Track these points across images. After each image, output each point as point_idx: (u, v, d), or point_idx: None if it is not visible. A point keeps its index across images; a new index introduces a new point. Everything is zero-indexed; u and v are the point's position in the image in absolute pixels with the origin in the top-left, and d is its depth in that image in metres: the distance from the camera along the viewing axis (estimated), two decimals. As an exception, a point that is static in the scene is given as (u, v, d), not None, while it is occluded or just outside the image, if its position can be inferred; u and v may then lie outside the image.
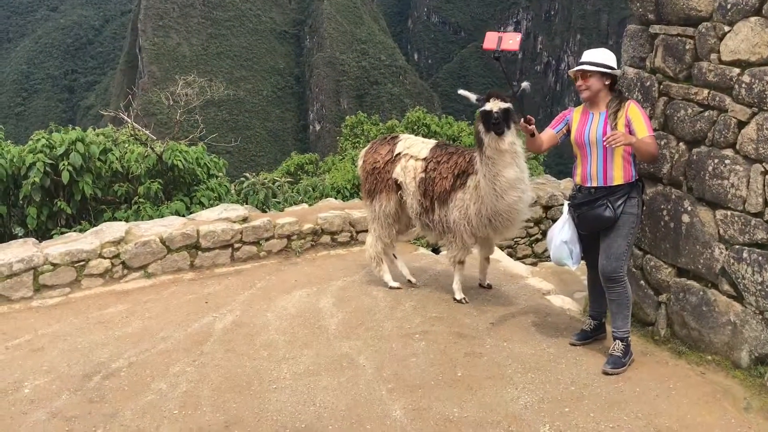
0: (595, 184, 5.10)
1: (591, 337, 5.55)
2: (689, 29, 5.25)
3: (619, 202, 5.02)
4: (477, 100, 5.66)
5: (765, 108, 4.70)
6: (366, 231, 8.02)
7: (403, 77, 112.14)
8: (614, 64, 5.16)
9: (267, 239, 7.65)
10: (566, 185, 9.70)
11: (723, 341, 5.06)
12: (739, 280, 4.92)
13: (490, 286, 6.79)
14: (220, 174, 13.54)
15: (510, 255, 8.36)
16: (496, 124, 5.46)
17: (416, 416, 4.49)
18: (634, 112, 5.01)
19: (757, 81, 4.73)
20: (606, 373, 5.01)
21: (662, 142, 5.47)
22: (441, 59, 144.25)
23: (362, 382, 4.94)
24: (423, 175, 6.32)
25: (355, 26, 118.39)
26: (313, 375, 5.06)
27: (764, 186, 4.76)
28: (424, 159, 6.37)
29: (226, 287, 6.84)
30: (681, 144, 5.35)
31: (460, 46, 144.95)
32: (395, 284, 6.74)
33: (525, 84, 5.59)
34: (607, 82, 5.14)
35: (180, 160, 9.60)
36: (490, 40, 5.20)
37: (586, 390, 4.82)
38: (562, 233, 5.24)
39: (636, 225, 5.20)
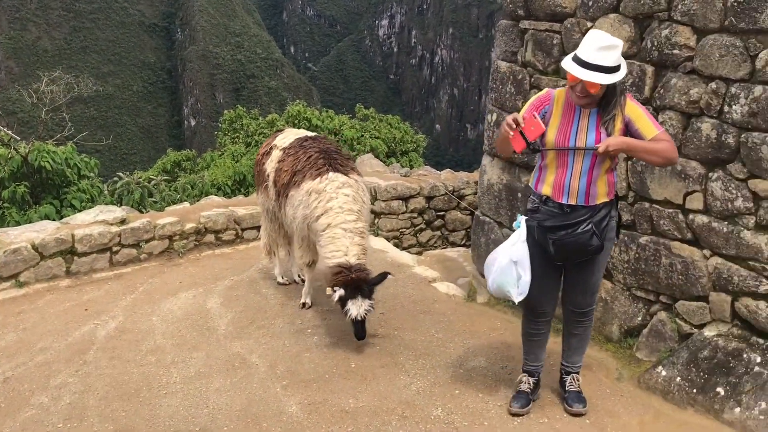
0: (573, 202, 4.00)
1: (532, 399, 4.53)
2: (556, 25, 5.56)
3: (603, 225, 4.04)
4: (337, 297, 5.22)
5: (626, 99, 5.04)
6: (252, 228, 7.94)
7: (280, 71, 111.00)
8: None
9: (147, 241, 7.39)
10: (446, 176, 10.00)
11: (596, 317, 5.41)
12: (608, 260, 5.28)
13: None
14: (92, 174, 12.94)
15: (396, 245, 8.52)
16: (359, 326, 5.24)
17: (312, 410, 4.52)
18: (633, 109, 3.95)
19: (618, 74, 5.07)
20: (580, 414, 4.44)
21: (535, 133, 5.77)
22: (318, 53, 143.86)
23: (256, 380, 4.91)
24: (276, 165, 5.98)
25: (228, 19, 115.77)
26: (204, 377, 4.96)
27: (627, 171, 5.13)
28: (283, 149, 6.04)
29: (107, 293, 6.56)
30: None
31: (337, 39, 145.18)
32: (284, 281, 6.72)
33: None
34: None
35: (48, 161, 9.12)
36: (518, 142, 3.94)
37: (474, 372, 5.02)
38: (512, 251, 4.05)
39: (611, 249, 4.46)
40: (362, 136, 19.41)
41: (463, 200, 9.38)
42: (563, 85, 5.53)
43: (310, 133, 6.41)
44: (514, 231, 4.15)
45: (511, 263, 4.02)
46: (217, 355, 5.30)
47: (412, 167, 15.00)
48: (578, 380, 4.55)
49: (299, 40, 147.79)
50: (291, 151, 5.89)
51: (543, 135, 3.99)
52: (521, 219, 4.12)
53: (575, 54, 3.81)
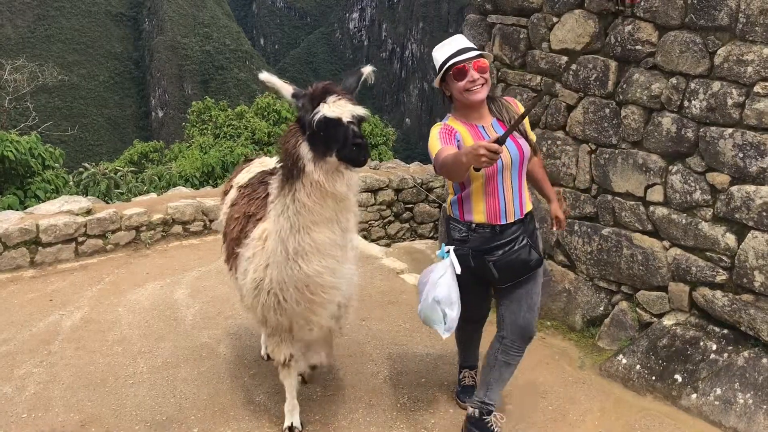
0: (512, 220, 3.70)
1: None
2: (523, 19, 5.64)
3: (535, 237, 3.85)
4: (296, 95, 3.23)
5: (590, 93, 5.16)
6: (220, 219, 7.91)
7: (250, 62, 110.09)
8: None
9: (114, 231, 7.34)
10: (414, 169, 10.06)
11: (560, 307, 5.53)
12: (571, 251, 5.39)
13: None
14: (57, 165, 12.76)
15: (364, 237, 8.57)
16: (357, 148, 3.07)
17: (280, 399, 4.54)
18: (521, 108, 3.79)
19: (582, 68, 5.17)
20: None
21: (502, 126, 5.86)
22: (288, 45, 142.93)
23: (223, 370, 4.92)
24: (228, 212, 4.29)
25: (197, 9, 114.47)
26: (171, 367, 4.96)
27: (590, 164, 5.24)
28: (240, 188, 4.31)
29: (72, 283, 6.50)
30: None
31: (307, 31, 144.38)
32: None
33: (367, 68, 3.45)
34: None
35: (11, 151, 8.98)
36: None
37: (440, 360, 5.09)
38: (436, 289, 3.69)
39: None
40: (332, 128, 19.37)
41: (431, 193, 9.45)
42: (529, 80, 5.63)
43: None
44: (438, 256, 3.80)
45: (434, 303, 3.68)
46: (184, 345, 5.30)
47: (381, 160, 15.04)
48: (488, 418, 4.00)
49: (269, 32, 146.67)
50: (248, 190, 4.13)
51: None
52: (448, 249, 3.74)
53: (441, 64, 3.56)
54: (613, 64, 5.02)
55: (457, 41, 3.61)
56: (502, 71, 5.88)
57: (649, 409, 4.52)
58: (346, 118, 3.07)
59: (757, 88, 4.22)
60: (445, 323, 3.73)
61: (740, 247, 4.40)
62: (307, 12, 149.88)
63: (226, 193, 4.61)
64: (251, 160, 4.84)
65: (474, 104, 3.59)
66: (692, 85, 4.55)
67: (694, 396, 4.45)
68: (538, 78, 5.56)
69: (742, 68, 4.27)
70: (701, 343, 4.60)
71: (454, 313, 3.70)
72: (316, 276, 3.41)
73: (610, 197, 5.14)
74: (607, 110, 5.06)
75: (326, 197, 3.21)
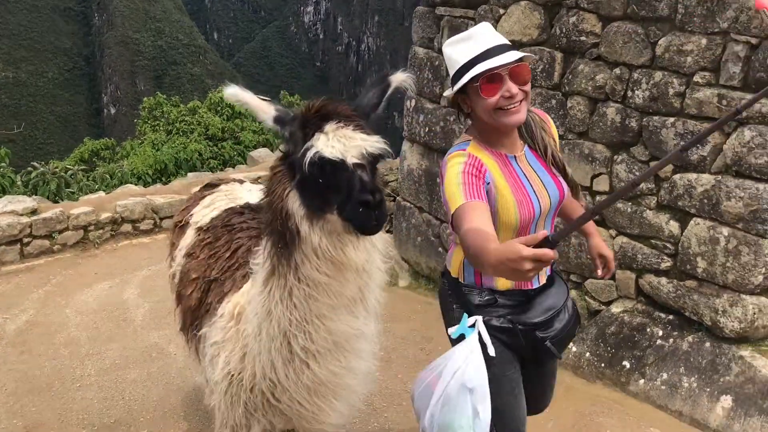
0: (544, 280, 2.71)
1: None
2: (470, 11, 5.66)
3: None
4: (280, 120, 2.20)
5: (537, 84, 5.20)
6: (171, 217, 7.79)
7: (204, 57, 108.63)
8: None
9: (61, 231, 7.17)
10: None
11: (512, 297, 5.57)
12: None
13: None
14: (3, 164, 12.42)
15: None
16: (365, 209, 2.07)
17: (231, 398, 4.50)
18: (554, 131, 2.75)
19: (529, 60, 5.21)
20: None
21: (452, 119, 5.87)
22: (242, 39, 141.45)
23: (174, 370, 4.85)
24: (184, 263, 3.21)
25: (148, 3, 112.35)
26: (120, 369, 4.87)
27: (539, 155, 5.28)
28: (199, 230, 3.27)
29: (17, 285, 6.33)
30: (468, 120, 5.74)
31: (261, 25, 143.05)
32: None
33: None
34: None
35: (-48, 151, 8.65)
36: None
37: (394, 353, 5.09)
38: (465, 373, 2.50)
39: None
40: (287, 123, 19.24)
41: (386, 186, 9.44)
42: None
43: (254, 194, 3.44)
44: (453, 337, 2.68)
45: (464, 391, 2.49)
46: (133, 346, 5.21)
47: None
48: None
49: (223, 26, 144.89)
50: (209, 237, 3.13)
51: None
52: (473, 322, 2.58)
53: (460, 69, 2.43)
54: (558, 55, 5.07)
55: (485, 36, 2.42)
56: (451, 64, 5.88)
57: (598, 396, 4.59)
58: (351, 159, 2.05)
59: (696, 78, 4.30)
60: (474, 428, 2.49)
61: (683, 234, 4.49)
62: (261, 5, 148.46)
63: (178, 228, 3.50)
64: (215, 185, 3.67)
65: (507, 128, 2.49)
66: (635, 76, 4.62)
67: (641, 381, 4.53)
68: (487, 70, 5.57)
69: (683, 58, 4.35)
70: (648, 330, 4.69)
71: (486, 412, 2.50)
72: (331, 378, 2.46)
73: (558, 187, 5.19)
74: (554, 101, 5.11)
75: (344, 270, 2.23)
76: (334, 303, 2.29)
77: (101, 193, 8.86)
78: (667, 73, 4.45)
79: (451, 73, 2.49)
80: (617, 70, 4.71)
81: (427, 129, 6.20)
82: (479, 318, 2.59)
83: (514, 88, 2.37)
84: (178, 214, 3.70)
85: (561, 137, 5.10)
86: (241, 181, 3.73)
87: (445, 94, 2.68)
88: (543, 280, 2.70)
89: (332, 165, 2.05)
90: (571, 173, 2.67)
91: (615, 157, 4.81)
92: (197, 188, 7.81)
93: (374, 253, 2.31)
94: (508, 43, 2.44)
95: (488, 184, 2.42)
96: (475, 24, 5.57)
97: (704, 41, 4.23)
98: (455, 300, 2.73)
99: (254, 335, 2.45)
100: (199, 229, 3.26)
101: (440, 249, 6.12)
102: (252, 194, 3.46)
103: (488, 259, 1.94)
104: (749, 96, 4.06)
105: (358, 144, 2.09)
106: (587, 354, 4.84)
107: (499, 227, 2.46)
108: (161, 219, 7.84)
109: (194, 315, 2.89)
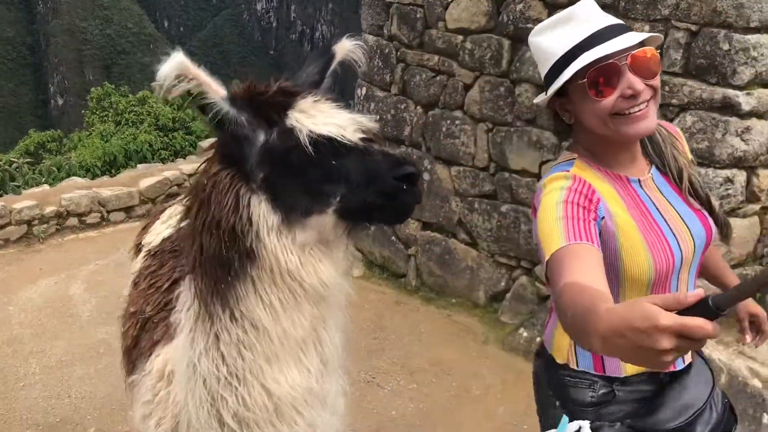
0: (688, 359, 1.95)
1: None
2: (419, -1, 5.64)
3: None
4: (234, 101, 1.68)
5: (485, 72, 5.22)
6: (118, 210, 7.64)
7: (154, 46, 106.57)
8: None
9: (3, 227, 6.97)
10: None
11: (464, 284, 5.61)
12: (473, 229, 5.48)
13: None
14: (-58, 158, 12.00)
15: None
16: (410, 183, 1.62)
17: (182, 392, 4.44)
18: (687, 147, 2.06)
19: (477, 47, 5.22)
20: None
21: (402, 107, 5.85)
22: (193, 27, 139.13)
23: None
24: (130, 293, 2.69)
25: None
26: (66, 366, 4.77)
27: (488, 143, 5.31)
28: (148, 254, 2.74)
29: (-43, 283, 6.13)
30: (418, 107, 5.75)
31: (212, 13, 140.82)
32: None
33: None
34: None
35: None
36: None
37: (348, 344, 5.07)
38: None
39: None
40: (240, 113, 19.01)
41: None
42: (426, 59, 5.64)
43: None
44: None
45: None
46: (80, 342, 5.10)
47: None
48: None
49: (173, 14, 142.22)
50: (154, 263, 2.59)
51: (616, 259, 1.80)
52: (577, 430, 1.84)
53: (558, 63, 1.77)
54: (506, 43, 5.09)
55: (591, 13, 1.78)
56: (401, 51, 5.86)
57: (549, 380, 4.65)
58: (354, 135, 1.66)
59: (640, 65, 4.36)
60: None
61: (629, 218, 4.56)
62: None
63: (136, 249, 2.99)
64: (177, 195, 3.13)
65: (630, 140, 1.82)
66: (581, 63, 4.66)
67: (590, 364, 4.60)
68: (436, 57, 5.57)
69: (626, 45, 4.40)
70: (596, 313, 4.76)
71: None
72: None
73: (507, 175, 5.23)
74: (502, 89, 5.14)
75: (302, 298, 1.72)
76: (274, 350, 1.73)
77: (46, 187, 8.65)
78: (611, 60, 4.49)
79: (543, 70, 1.85)
80: (564, 58, 4.74)
81: (378, 117, 6.17)
82: (585, 425, 1.82)
83: (638, 84, 1.70)
84: (138, 233, 3.13)
85: (510, 124, 5.13)
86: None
87: (535, 101, 1.97)
88: (688, 360, 1.92)
89: (328, 145, 1.62)
90: (719, 207, 1.91)
91: (562, 143, 4.86)
92: (146, 180, 7.70)
93: (340, 270, 1.77)
94: (620, 21, 1.79)
95: (602, 218, 1.73)
96: (424, 10, 5.57)
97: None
98: (555, 392, 1.98)
99: (183, 401, 1.89)
100: (148, 252, 2.72)
101: (393, 238, 6.12)
102: None
103: (597, 327, 1.23)
104: (690, 82, 4.14)
105: (351, 117, 1.68)
106: (538, 339, 4.89)
107: (622, 283, 1.79)
108: (109, 212, 7.67)
109: (130, 356, 2.37)
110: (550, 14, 4.79)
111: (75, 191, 7.65)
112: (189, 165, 8.47)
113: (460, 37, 5.35)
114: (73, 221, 7.44)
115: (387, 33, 6.01)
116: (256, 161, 1.66)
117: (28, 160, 19.38)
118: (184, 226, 1.81)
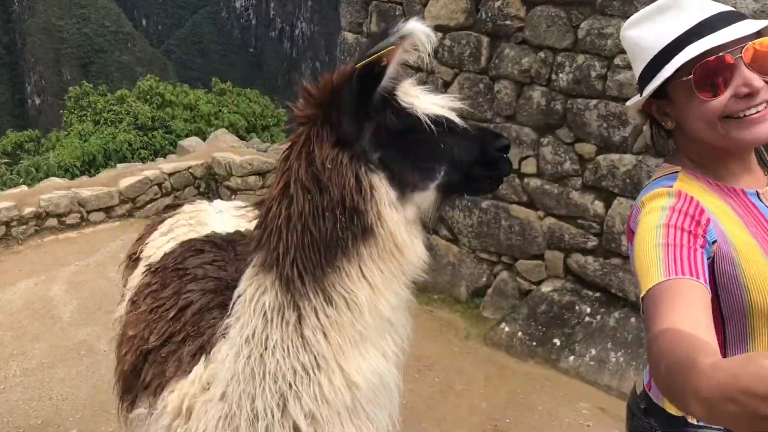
0: None
1: None
2: (398, -4, 5.65)
3: None
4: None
5: (465, 69, 5.24)
6: (98, 210, 7.58)
7: (132, 44, 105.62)
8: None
9: (-20, 228, 6.88)
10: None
11: (446, 280, 5.64)
12: (454, 225, 5.51)
13: None
14: None
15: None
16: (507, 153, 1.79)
17: (164, 392, 4.43)
18: None
19: (456, 44, 5.25)
20: None
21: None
22: (172, 25, 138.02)
23: (103, 367, 4.71)
24: (126, 311, 2.50)
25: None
26: (47, 368, 4.73)
27: (469, 139, 5.34)
28: (148, 269, 2.54)
29: (-66, 286, 6.05)
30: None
31: (191, 11, 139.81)
32: None
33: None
34: None
35: None
36: None
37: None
38: None
39: None
40: (220, 111, 18.90)
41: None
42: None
43: (226, 218, 2.82)
44: None
45: None
46: (61, 344, 5.06)
47: (273, 142, 14.82)
48: None
49: (151, 12, 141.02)
50: (156, 281, 2.41)
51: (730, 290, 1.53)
52: None
53: (657, 57, 1.54)
54: (485, 40, 5.12)
55: (696, 0, 1.55)
56: (380, 49, 5.87)
57: (531, 374, 4.70)
58: (453, 114, 1.74)
59: (617, 60, 4.41)
60: None
61: (608, 213, 4.62)
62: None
63: (131, 261, 2.82)
64: (178, 206, 3.03)
65: (745, 147, 1.57)
66: (559, 59, 4.70)
67: (571, 358, 4.65)
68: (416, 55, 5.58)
69: (603, 41, 4.45)
70: (576, 307, 4.82)
71: None
72: None
73: (488, 171, 5.25)
74: (482, 85, 5.17)
75: (402, 276, 1.73)
76: (363, 330, 1.69)
77: (24, 187, 8.54)
78: (589, 56, 4.54)
79: (638, 67, 1.61)
80: (542, 54, 4.78)
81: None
82: None
83: (755, 80, 1.45)
84: (133, 244, 2.96)
85: (489, 120, 5.16)
86: (209, 199, 3.05)
87: (628, 103, 1.70)
88: None
89: (446, 123, 1.68)
90: None
91: (541, 139, 4.90)
92: (126, 179, 7.63)
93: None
94: (731, 8, 1.55)
95: (713, 242, 1.47)
96: (403, 8, 5.58)
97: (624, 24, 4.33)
98: None
99: (237, 412, 1.74)
100: (148, 267, 2.52)
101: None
102: (223, 218, 2.79)
103: (698, 388, 1.00)
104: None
105: (445, 98, 1.75)
106: (519, 333, 4.94)
107: (749, 318, 1.51)
108: (88, 212, 7.59)
109: (128, 384, 2.22)
110: (528, 11, 4.83)
111: (54, 191, 7.56)
112: (169, 164, 8.41)
113: (440, 34, 5.37)
114: (52, 222, 7.37)
115: (366, 30, 6.02)
116: (372, 141, 1.68)
117: (6, 160, 19.16)
118: (267, 219, 1.72)
